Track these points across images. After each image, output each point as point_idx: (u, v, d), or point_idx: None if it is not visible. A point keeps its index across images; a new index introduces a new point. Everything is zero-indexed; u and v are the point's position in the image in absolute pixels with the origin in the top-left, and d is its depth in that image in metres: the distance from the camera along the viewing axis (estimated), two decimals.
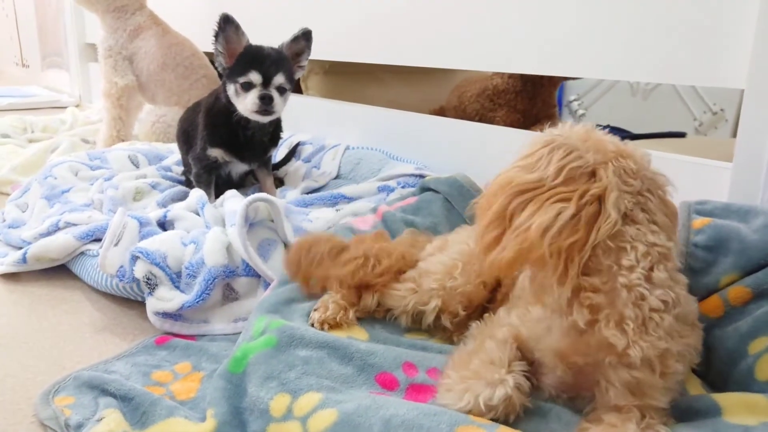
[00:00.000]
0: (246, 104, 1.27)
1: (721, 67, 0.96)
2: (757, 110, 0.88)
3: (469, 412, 0.62)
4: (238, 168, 1.42)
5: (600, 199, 0.58)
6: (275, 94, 1.27)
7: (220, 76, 1.33)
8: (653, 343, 0.60)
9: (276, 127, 1.40)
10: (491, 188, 0.63)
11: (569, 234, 0.57)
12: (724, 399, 0.64)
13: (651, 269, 0.60)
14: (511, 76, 1.87)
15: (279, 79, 1.27)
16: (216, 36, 1.28)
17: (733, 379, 0.71)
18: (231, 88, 1.29)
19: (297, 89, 2.18)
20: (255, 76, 1.26)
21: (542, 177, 0.60)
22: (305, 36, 1.32)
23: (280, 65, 1.28)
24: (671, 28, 1.02)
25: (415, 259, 0.87)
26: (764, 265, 0.74)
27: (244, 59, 1.27)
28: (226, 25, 1.27)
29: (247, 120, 1.31)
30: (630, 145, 0.63)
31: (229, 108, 1.31)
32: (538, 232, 0.57)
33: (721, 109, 2.56)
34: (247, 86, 1.27)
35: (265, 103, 1.26)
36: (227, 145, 1.35)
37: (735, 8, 0.93)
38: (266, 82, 1.26)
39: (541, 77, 1.84)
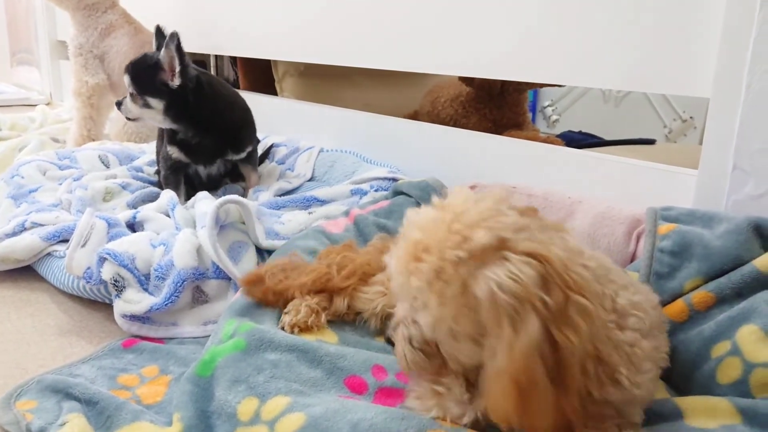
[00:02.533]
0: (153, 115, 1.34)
1: (689, 77, 0.98)
2: (721, 119, 0.90)
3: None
4: (202, 169, 1.42)
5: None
6: (127, 99, 1.33)
7: None
8: (644, 374, 0.59)
9: (233, 132, 1.40)
10: (517, 376, 0.50)
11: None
12: (686, 402, 0.65)
13: (614, 302, 0.58)
14: (470, 84, 1.89)
15: (126, 84, 1.33)
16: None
17: (696, 382, 0.72)
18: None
19: (272, 91, 2.17)
20: (126, 79, 1.33)
21: (537, 313, 0.50)
22: (171, 40, 1.26)
23: (131, 72, 1.31)
24: (640, 37, 1.04)
25: (383, 266, 0.87)
26: (727, 271, 0.75)
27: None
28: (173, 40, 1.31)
29: None
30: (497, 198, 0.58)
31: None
32: (590, 339, 0.52)
33: (691, 117, 2.61)
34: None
35: (118, 106, 1.36)
36: (180, 145, 1.36)
37: (701, 20, 0.95)
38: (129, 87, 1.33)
39: (505, 85, 1.85)
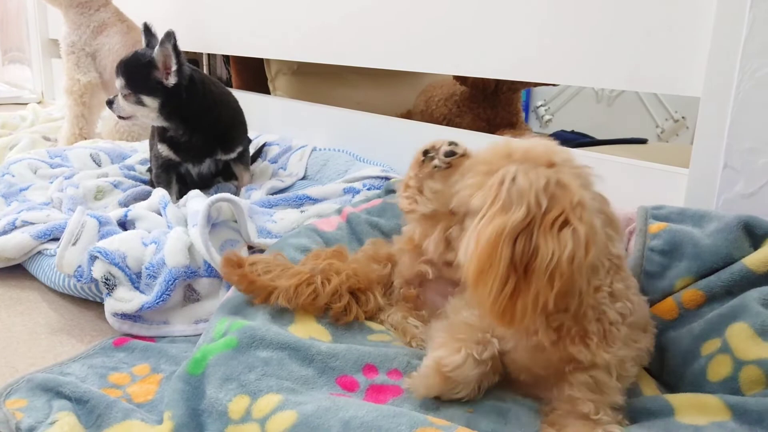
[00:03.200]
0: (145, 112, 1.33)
1: (680, 76, 0.99)
2: (712, 118, 0.90)
3: (461, 366, 0.64)
4: (192, 167, 1.41)
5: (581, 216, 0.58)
6: (119, 98, 1.32)
7: None
8: (613, 353, 0.63)
9: (224, 130, 1.40)
10: (483, 248, 0.57)
11: (583, 257, 0.57)
12: (676, 399, 0.65)
13: (611, 283, 0.63)
14: (464, 83, 1.89)
15: (119, 83, 1.31)
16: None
17: (686, 380, 0.73)
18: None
19: (265, 89, 2.17)
20: (118, 81, 1.32)
21: (528, 210, 0.57)
22: (167, 38, 1.27)
23: (124, 70, 1.30)
24: (633, 37, 1.04)
25: (375, 276, 0.87)
26: (717, 269, 0.76)
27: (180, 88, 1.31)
28: (147, 34, 1.34)
29: None
30: (570, 154, 0.64)
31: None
32: (569, 264, 0.56)
33: (683, 117, 2.62)
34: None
35: (109, 106, 1.35)
36: (169, 143, 1.35)
37: (692, 20, 0.95)
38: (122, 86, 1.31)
39: (499, 85, 1.86)
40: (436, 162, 0.76)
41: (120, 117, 1.36)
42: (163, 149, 1.35)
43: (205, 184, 1.46)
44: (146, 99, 1.29)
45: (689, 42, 0.96)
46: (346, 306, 0.82)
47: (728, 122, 0.88)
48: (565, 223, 0.57)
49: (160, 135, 1.36)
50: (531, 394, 0.69)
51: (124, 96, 1.31)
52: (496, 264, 0.57)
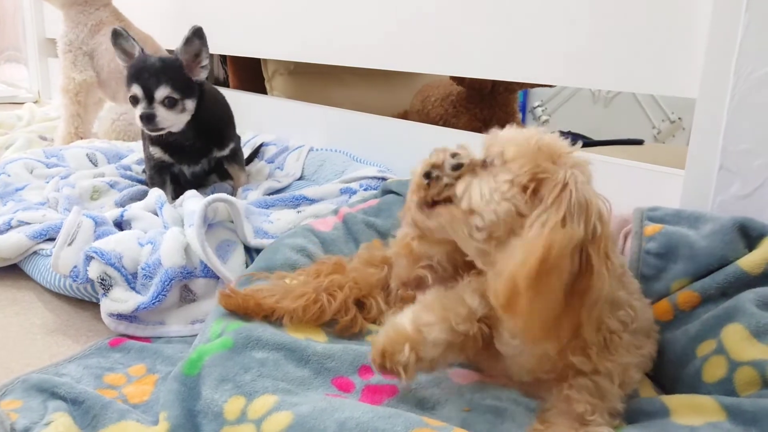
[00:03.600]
0: (135, 119, 1.26)
1: (676, 77, 0.99)
2: (708, 119, 0.90)
3: (433, 324, 0.63)
4: (186, 168, 1.39)
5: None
6: (160, 109, 1.23)
7: None
8: (615, 361, 0.64)
9: (217, 129, 1.39)
10: (543, 258, 0.55)
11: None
12: (672, 401, 0.66)
13: (612, 292, 0.63)
14: (461, 83, 1.89)
15: (163, 91, 1.23)
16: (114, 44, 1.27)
17: (682, 381, 0.73)
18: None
19: (262, 89, 2.17)
20: (137, 90, 1.23)
21: (586, 228, 0.57)
22: (197, 34, 1.27)
23: (164, 76, 1.23)
24: (629, 38, 1.04)
25: (374, 279, 0.87)
26: (713, 271, 0.76)
27: (129, 72, 1.25)
28: (117, 38, 1.26)
29: None
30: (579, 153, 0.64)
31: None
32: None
33: (679, 118, 2.63)
34: (134, 100, 1.24)
35: (148, 122, 1.23)
36: (162, 145, 1.33)
37: (689, 22, 0.95)
38: (150, 97, 1.23)
39: (495, 85, 1.86)
40: (445, 180, 0.66)
41: (155, 130, 1.25)
42: (156, 152, 1.33)
43: (199, 183, 1.45)
44: (188, 102, 1.26)
45: (685, 43, 0.96)
46: (352, 318, 0.81)
47: (724, 124, 0.88)
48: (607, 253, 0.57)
49: (151, 138, 1.33)
50: (531, 394, 0.69)
51: (170, 105, 1.24)
52: (555, 277, 0.55)
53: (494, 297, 0.59)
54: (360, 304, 0.84)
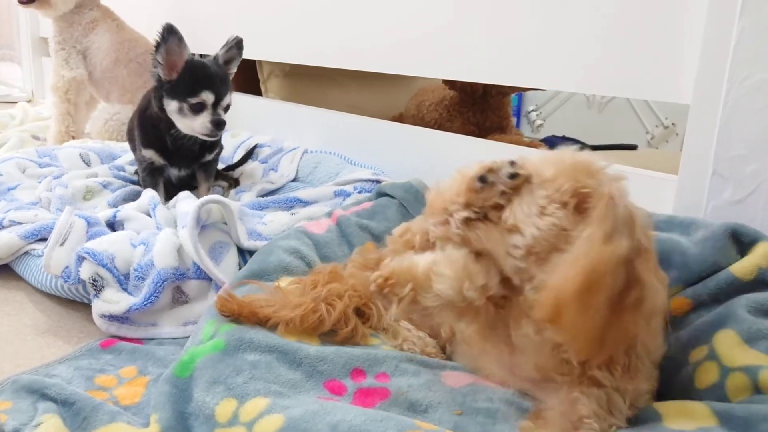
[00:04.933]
0: (194, 126, 1.23)
1: (670, 83, 0.99)
2: (701, 125, 0.91)
3: (450, 279, 0.63)
4: (175, 171, 1.38)
5: None
6: (223, 114, 1.25)
7: (159, 87, 1.26)
8: (634, 385, 0.64)
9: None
10: (590, 272, 0.55)
11: None
12: (664, 407, 0.66)
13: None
14: (453, 87, 1.89)
15: (228, 99, 1.25)
16: (157, 46, 1.20)
17: (675, 387, 0.73)
18: (173, 105, 1.23)
19: (257, 91, 2.16)
20: (208, 97, 1.21)
21: (632, 242, 0.56)
22: (237, 45, 1.30)
23: (228, 84, 1.24)
24: (623, 44, 1.04)
25: (369, 283, 0.86)
26: (704, 277, 0.76)
27: (193, 77, 1.22)
28: (170, 35, 1.19)
29: (179, 131, 1.28)
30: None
31: (160, 116, 1.27)
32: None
33: (673, 124, 2.64)
34: (199, 107, 1.22)
35: (218, 128, 1.23)
36: (157, 148, 1.32)
37: (683, 28, 0.96)
38: (215, 103, 1.23)
39: (487, 89, 1.86)
40: (500, 188, 0.63)
41: (214, 137, 1.27)
42: (149, 153, 1.32)
43: (185, 186, 1.43)
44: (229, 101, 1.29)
45: (679, 49, 0.96)
46: (353, 329, 0.80)
47: (717, 130, 0.88)
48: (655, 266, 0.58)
49: (143, 138, 1.33)
50: (531, 393, 0.69)
51: (226, 111, 1.27)
52: (602, 292, 0.55)
53: (539, 310, 0.59)
54: (360, 312, 0.83)
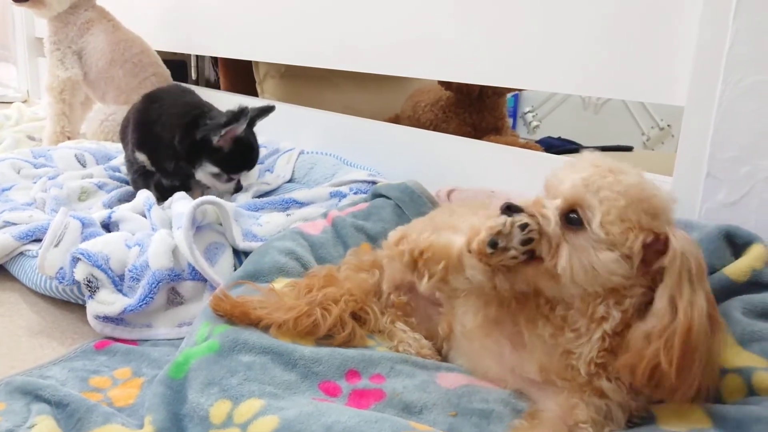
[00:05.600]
0: (220, 188, 1.35)
1: (664, 85, 0.99)
2: (695, 127, 0.91)
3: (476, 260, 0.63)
4: (164, 180, 1.39)
5: None
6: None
7: (194, 137, 1.28)
8: (637, 400, 0.64)
9: None
10: (684, 344, 0.56)
11: None
12: (659, 409, 0.66)
13: None
14: (449, 88, 1.89)
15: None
16: (229, 122, 1.25)
17: None
18: (212, 169, 1.30)
19: (253, 92, 2.16)
20: (243, 173, 1.35)
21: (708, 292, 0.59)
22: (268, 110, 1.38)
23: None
24: (619, 46, 1.05)
25: (366, 285, 0.86)
26: None
27: (240, 156, 1.31)
28: (242, 118, 1.26)
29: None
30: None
31: (178, 153, 1.30)
32: None
33: (668, 125, 2.65)
34: (229, 180, 1.34)
35: (238, 192, 1.37)
36: (152, 154, 1.33)
37: (677, 30, 0.96)
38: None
39: (483, 89, 1.86)
40: (513, 254, 0.61)
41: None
42: (142, 157, 1.33)
43: (177, 189, 1.43)
44: None
45: (674, 52, 0.97)
46: (350, 333, 0.80)
47: (711, 131, 0.88)
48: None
49: (138, 141, 1.33)
50: (529, 394, 0.69)
51: None
52: (700, 351, 0.56)
53: (631, 375, 0.60)
54: (356, 316, 0.83)
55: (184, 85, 1.65)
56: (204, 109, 1.31)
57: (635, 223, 0.60)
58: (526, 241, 0.61)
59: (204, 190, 1.42)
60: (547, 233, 0.61)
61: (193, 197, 1.18)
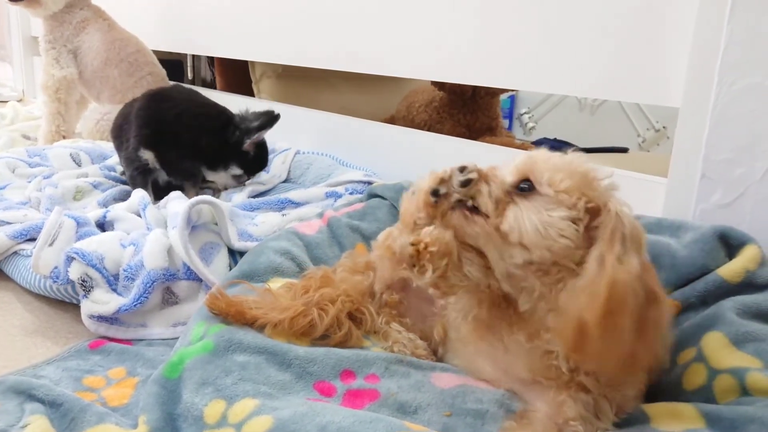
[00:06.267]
0: (230, 184, 1.41)
1: (660, 87, 1.00)
2: (690, 128, 0.91)
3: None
4: (164, 174, 1.39)
5: None
6: None
7: (223, 140, 1.34)
8: (621, 391, 0.65)
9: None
10: (613, 293, 0.55)
11: None
12: (652, 408, 0.66)
13: None
14: (442, 88, 1.90)
15: None
16: (261, 127, 1.34)
17: (663, 389, 0.73)
18: (237, 171, 1.38)
19: (249, 92, 2.16)
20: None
21: (640, 261, 0.57)
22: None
23: None
24: (614, 48, 1.05)
25: (362, 287, 0.86)
26: (692, 279, 0.77)
27: (261, 160, 1.42)
28: (274, 122, 1.35)
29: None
30: None
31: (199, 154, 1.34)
32: None
33: (664, 127, 2.65)
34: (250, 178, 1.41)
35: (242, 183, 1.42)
36: (164, 152, 1.34)
37: (673, 32, 0.96)
38: None
39: (476, 89, 1.86)
40: (457, 196, 0.64)
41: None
42: (148, 155, 1.33)
43: (172, 189, 1.43)
44: None
45: (669, 53, 0.97)
46: (346, 333, 0.80)
47: (706, 133, 0.89)
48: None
49: (145, 138, 1.33)
50: (521, 394, 0.69)
51: None
52: (624, 314, 0.55)
53: (561, 340, 0.59)
54: (351, 316, 0.83)
55: (185, 85, 1.66)
56: (229, 113, 1.37)
57: (579, 189, 0.61)
58: (465, 183, 0.63)
59: (198, 189, 1.42)
60: (495, 192, 0.63)
61: (188, 197, 1.18)
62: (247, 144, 1.33)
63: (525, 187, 0.63)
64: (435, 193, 0.64)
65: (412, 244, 0.65)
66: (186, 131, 1.32)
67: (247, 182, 1.43)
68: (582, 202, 0.60)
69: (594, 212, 0.60)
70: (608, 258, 0.56)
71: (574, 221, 0.60)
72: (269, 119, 1.33)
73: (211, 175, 1.39)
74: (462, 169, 0.64)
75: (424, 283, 0.66)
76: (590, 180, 0.62)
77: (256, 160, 1.40)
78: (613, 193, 0.62)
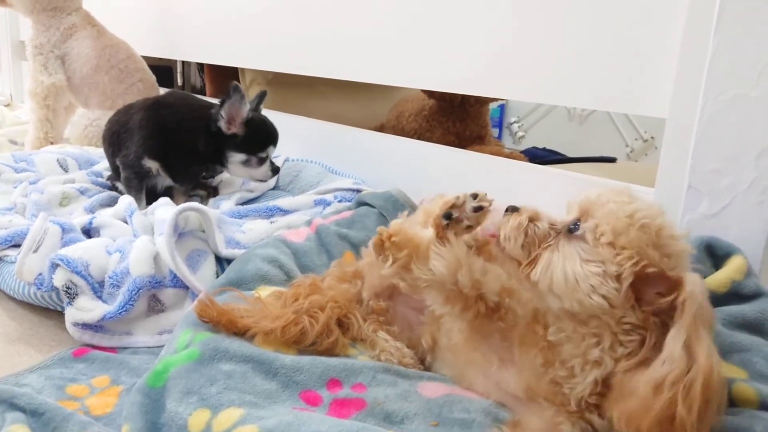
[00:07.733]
0: (256, 174, 1.35)
1: (647, 97, 1.01)
2: (677, 139, 0.92)
3: (455, 262, 0.64)
4: (165, 181, 1.39)
5: None
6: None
7: (212, 134, 1.30)
8: None
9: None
10: (710, 391, 0.51)
11: None
12: None
13: None
14: (432, 96, 1.90)
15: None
16: (222, 102, 1.28)
17: None
18: (239, 157, 1.31)
19: None
20: (271, 151, 1.35)
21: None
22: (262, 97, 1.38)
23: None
24: (603, 59, 1.06)
25: (349, 295, 0.86)
26: None
27: (259, 134, 1.32)
28: (234, 93, 1.27)
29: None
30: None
31: (204, 156, 1.32)
32: None
33: (652, 137, 2.67)
34: (264, 159, 1.34)
35: (276, 174, 1.38)
36: (171, 162, 1.33)
37: (660, 44, 0.97)
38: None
39: (465, 97, 1.87)
40: (466, 222, 0.67)
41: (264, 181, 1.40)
42: (152, 164, 1.33)
43: (164, 194, 1.42)
44: None
45: (656, 65, 0.98)
46: (334, 341, 0.79)
47: (692, 144, 0.89)
48: None
49: (149, 148, 1.32)
50: (511, 407, 0.69)
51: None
52: (717, 399, 0.53)
53: (631, 425, 0.54)
54: (339, 322, 0.83)
55: (181, 91, 1.65)
56: (210, 106, 1.34)
57: (634, 247, 0.55)
58: (477, 209, 0.67)
59: (187, 197, 1.41)
60: (531, 236, 0.61)
61: (176, 203, 1.17)
62: (227, 127, 1.27)
63: (574, 228, 0.59)
64: (448, 216, 0.68)
65: (379, 233, 0.67)
66: (188, 137, 1.31)
67: (230, 192, 1.43)
68: (629, 263, 0.55)
69: (653, 281, 0.56)
70: (699, 350, 0.52)
71: (614, 278, 0.55)
72: (228, 92, 1.26)
73: (225, 172, 1.38)
74: (474, 196, 0.67)
75: (387, 273, 0.67)
76: (656, 238, 0.56)
77: (252, 137, 1.31)
78: (686, 259, 0.57)
